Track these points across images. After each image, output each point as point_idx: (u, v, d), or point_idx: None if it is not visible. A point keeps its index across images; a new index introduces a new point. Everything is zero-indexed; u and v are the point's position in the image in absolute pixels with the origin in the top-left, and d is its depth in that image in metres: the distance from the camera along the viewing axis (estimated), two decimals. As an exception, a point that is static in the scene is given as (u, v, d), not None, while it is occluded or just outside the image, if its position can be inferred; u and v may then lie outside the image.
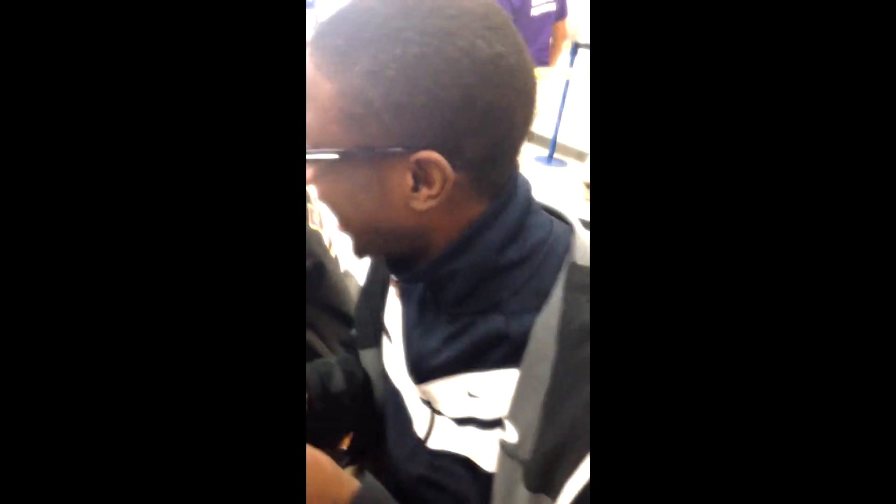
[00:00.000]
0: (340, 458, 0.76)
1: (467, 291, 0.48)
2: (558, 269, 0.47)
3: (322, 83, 0.41)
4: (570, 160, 4.76)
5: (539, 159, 4.63)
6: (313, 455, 0.47)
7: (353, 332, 0.74)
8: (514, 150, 0.46)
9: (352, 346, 0.76)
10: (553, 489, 0.42)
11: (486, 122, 0.41)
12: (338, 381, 0.69)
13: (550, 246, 0.48)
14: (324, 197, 0.46)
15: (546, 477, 0.43)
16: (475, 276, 0.47)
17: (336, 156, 0.42)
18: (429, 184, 0.43)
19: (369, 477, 0.48)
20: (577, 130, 4.69)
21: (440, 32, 0.39)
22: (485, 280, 0.47)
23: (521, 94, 0.43)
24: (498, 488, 0.47)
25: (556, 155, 4.73)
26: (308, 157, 0.43)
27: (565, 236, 0.49)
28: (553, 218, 0.52)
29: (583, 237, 0.49)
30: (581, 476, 0.41)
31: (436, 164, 0.41)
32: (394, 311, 0.60)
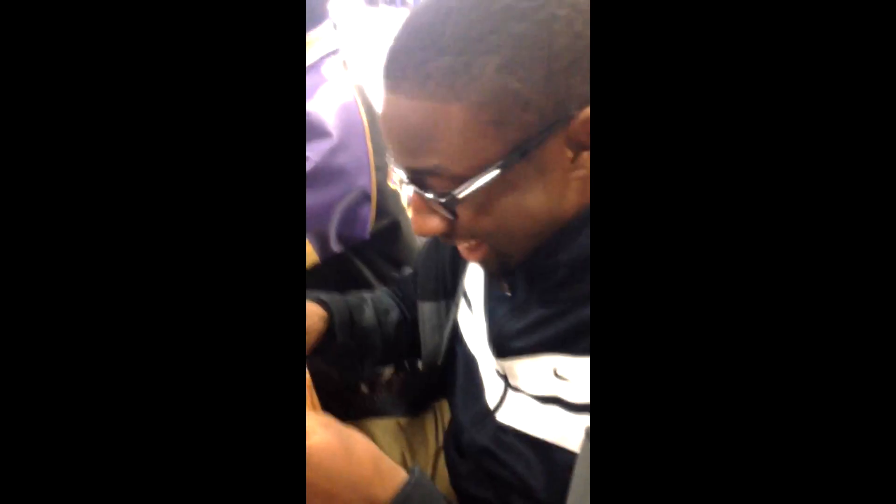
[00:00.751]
0: (397, 405, 0.78)
1: (568, 280, 0.47)
2: None
3: (447, 109, 0.38)
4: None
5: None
6: (357, 442, 0.43)
7: (407, 272, 0.74)
8: None
9: (401, 286, 0.76)
10: None
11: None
12: (368, 317, 0.69)
13: None
14: (482, 221, 0.43)
15: None
16: (578, 266, 0.46)
17: (498, 170, 0.39)
18: (586, 144, 0.40)
19: (418, 470, 0.44)
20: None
21: (544, 2, 0.37)
22: (584, 274, 0.46)
23: None
24: (578, 478, 0.45)
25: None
26: (465, 192, 0.40)
27: None
28: None
29: None
30: None
31: (588, 119, 0.39)
32: (476, 279, 0.59)
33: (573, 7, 0.38)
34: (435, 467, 0.76)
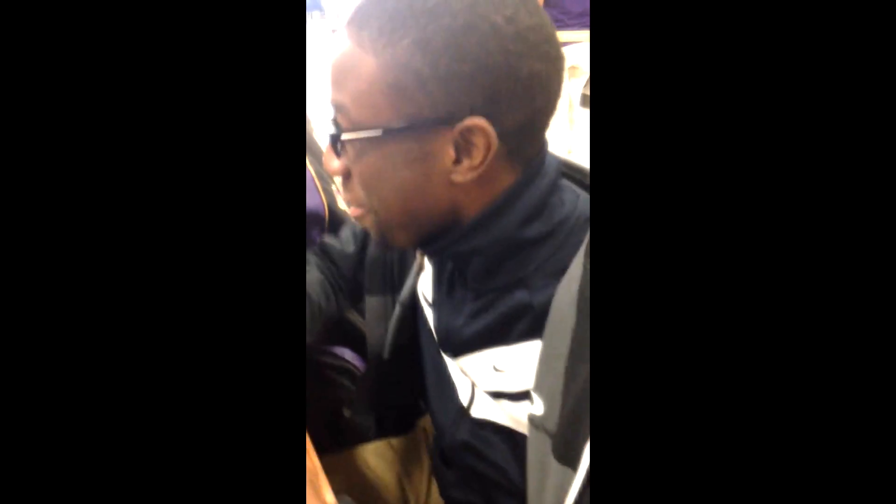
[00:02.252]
0: (367, 425, 0.78)
1: (491, 268, 0.49)
2: (583, 243, 0.46)
3: (365, 59, 0.42)
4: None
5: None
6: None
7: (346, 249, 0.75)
8: (547, 122, 0.46)
9: (337, 265, 0.76)
10: (574, 459, 0.41)
11: (528, 91, 0.42)
12: (313, 308, 0.70)
13: (576, 220, 0.48)
14: (361, 178, 0.47)
15: (570, 447, 0.42)
16: (498, 253, 0.48)
17: (380, 132, 0.43)
18: (471, 154, 0.43)
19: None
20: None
21: (486, 2, 0.40)
22: (508, 257, 0.48)
23: (556, 62, 0.44)
24: (530, 463, 0.47)
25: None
26: (349, 136, 0.44)
27: (588, 211, 0.49)
28: (581, 191, 0.51)
29: None
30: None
31: (481, 131, 0.42)
32: (427, 279, 0.61)
33: (514, 24, 0.41)
34: (429, 485, 0.77)
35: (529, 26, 0.41)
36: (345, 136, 0.45)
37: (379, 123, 0.43)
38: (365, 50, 0.42)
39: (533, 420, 0.46)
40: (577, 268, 0.44)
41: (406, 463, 0.78)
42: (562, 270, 0.46)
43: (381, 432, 0.79)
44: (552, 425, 0.43)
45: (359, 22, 0.43)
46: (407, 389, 0.70)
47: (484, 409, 0.55)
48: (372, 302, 0.68)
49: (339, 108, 0.45)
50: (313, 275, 0.73)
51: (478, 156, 0.43)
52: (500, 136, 0.43)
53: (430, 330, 0.61)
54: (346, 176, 0.48)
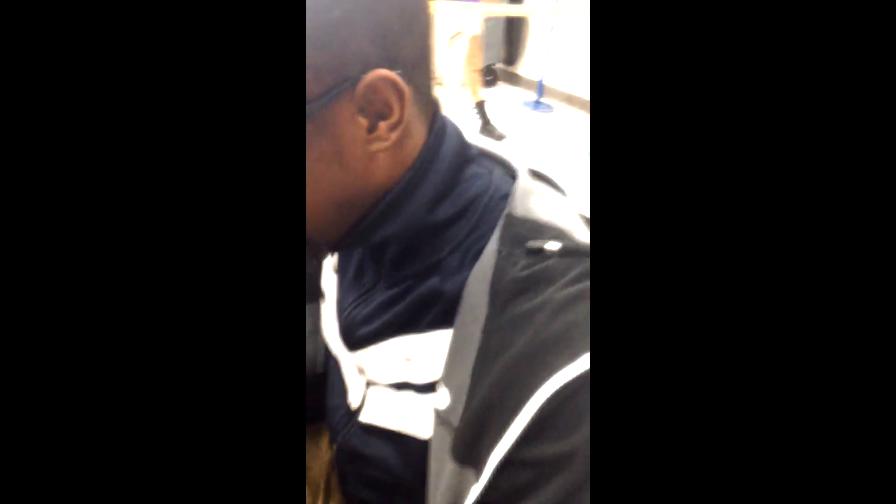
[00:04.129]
0: None
1: (405, 254, 0.45)
2: (497, 224, 0.42)
3: None
4: (557, 103, 4.66)
5: (526, 104, 4.53)
6: None
7: None
8: (432, 60, 0.41)
9: None
10: (478, 461, 0.38)
11: (407, 17, 0.37)
12: None
13: (490, 198, 0.44)
14: None
15: (472, 447, 0.39)
16: (411, 238, 0.44)
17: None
18: (387, 111, 0.38)
19: None
20: (564, 72, 4.57)
21: None
22: (422, 241, 0.44)
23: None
24: (432, 460, 0.44)
25: (543, 99, 4.63)
26: None
27: (506, 187, 0.45)
28: (497, 165, 0.47)
29: (525, 185, 0.44)
30: (504, 444, 0.37)
31: (387, 81, 0.36)
32: (330, 276, 0.56)
33: None
34: (329, 478, 0.73)
35: None
36: None
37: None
38: None
39: (438, 413, 0.42)
40: (490, 255, 0.41)
41: (306, 457, 0.74)
42: (478, 253, 0.42)
43: None
44: (455, 419, 0.40)
45: None
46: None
47: (374, 413, 0.51)
48: None
49: None
50: None
51: (395, 109, 0.38)
52: (404, 76, 0.37)
53: (328, 327, 0.57)
54: None
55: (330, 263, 0.57)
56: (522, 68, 4.12)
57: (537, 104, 4.59)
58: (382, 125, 0.38)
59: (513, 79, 5.09)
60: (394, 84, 0.37)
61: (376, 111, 0.38)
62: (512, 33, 4.97)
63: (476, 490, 0.38)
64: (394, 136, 0.39)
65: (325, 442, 0.75)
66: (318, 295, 0.62)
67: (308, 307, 0.63)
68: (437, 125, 0.43)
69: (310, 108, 0.36)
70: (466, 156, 0.45)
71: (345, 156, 0.39)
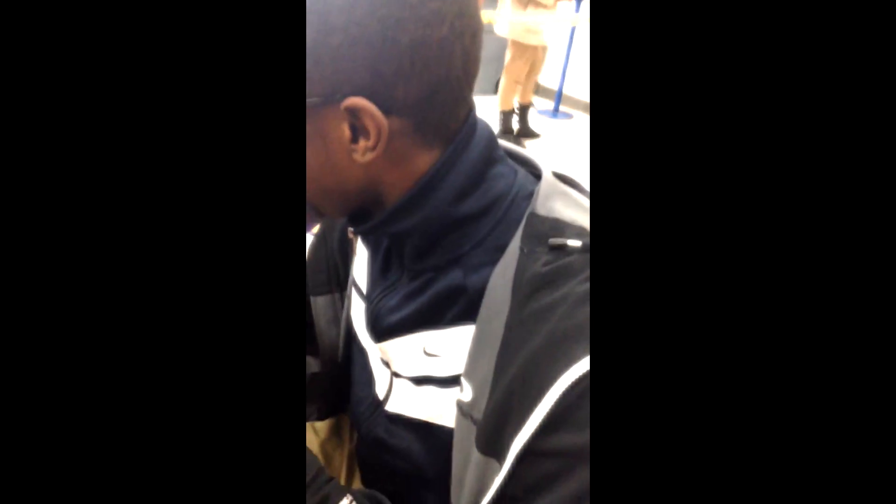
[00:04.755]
0: (309, 411, 0.76)
1: (426, 247, 0.46)
2: (520, 223, 0.44)
3: None
4: (576, 112, 4.66)
5: (544, 112, 4.54)
6: None
7: None
8: (458, 95, 0.42)
9: None
10: (501, 452, 0.40)
11: (416, 62, 0.38)
12: None
13: (514, 197, 0.45)
14: None
15: (495, 438, 0.40)
16: (432, 231, 0.45)
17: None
18: (365, 134, 0.40)
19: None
20: (583, 81, 4.57)
21: None
22: (443, 234, 0.45)
23: (457, 30, 0.39)
24: (456, 452, 0.45)
25: (561, 107, 4.63)
26: None
27: (530, 186, 0.46)
28: (520, 167, 0.48)
29: (549, 186, 0.46)
30: (522, 437, 0.38)
31: (365, 111, 0.39)
32: (361, 264, 0.58)
33: None
34: (351, 469, 0.75)
35: None
36: None
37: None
38: None
39: (461, 406, 0.44)
40: (513, 252, 0.42)
41: (327, 447, 0.75)
42: (499, 249, 0.43)
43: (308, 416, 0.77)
44: (479, 413, 0.41)
45: None
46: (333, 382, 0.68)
47: (399, 403, 0.52)
48: (319, 302, 0.65)
49: None
50: None
51: (371, 136, 0.40)
52: (398, 110, 0.39)
53: (356, 319, 0.58)
54: None
55: (359, 254, 0.59)
56: (541, 77, 4.13)
57: (556, 113, 4.59)
58: (361, 143, 0.41)
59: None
60: (372, 117, 0.39)
61: (360, 129, 0.40)
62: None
63: (498, 480, 0.39)
64: (371, 155, 0.41)
65: (346, 432, 0.77)
66: (341, 285, 0.64)
67: (331, 297, 0.64)
68: (469, 123, 0.45)
69: (310, 103, 0.39)
70: (494, 155, 0.46)
71: (328, 153, 0.42)
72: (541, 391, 0.37)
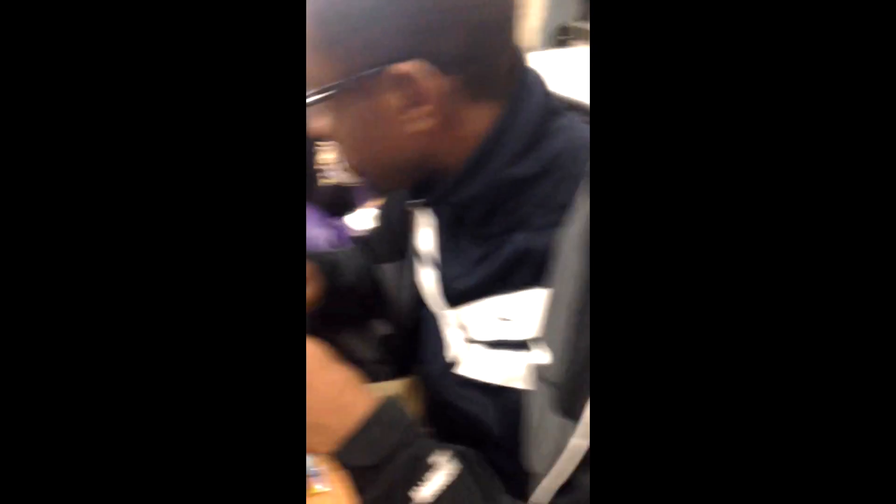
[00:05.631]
0: (380, 372, 0.79)
1: (490, 211, 0.46)
2: (581, 179, 0.43)
3: (307, 22, 0.40)
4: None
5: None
6: (328, 368, 0.45)
7: (367, 234, 0.74)
8: (502, 41, 0.42)
9: (363, 247, 0.76)
10: (576, 412, 0.40)
11: (453, 10, 0.38)
12: (347, 275, 0.69)
13: (574, 153, 0.44)
14: (335, 136, 0.45)
15: (572, 400, 0.41)
16: (494, 196, 0.45)
17: (334, 91, 0.41)
18: (419, 101, 0.40)
19: (393, 400, 0.46)
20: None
21: None
22: (506, 198, 0.45)
23: None
24: (530, 414, 0.45)
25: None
26: (310, 99, 0.42)
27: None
28: (583, 117, 0.47)
29: None
30: None
31: (412, 77, 0.39)
32: (426, 235, 0.59)
33: None
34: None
35: None
36: (308, 100, 0.42)
37: (324, 82, 0.41)
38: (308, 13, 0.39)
39: (538, 370, 0.44)
40: (579, 209, 0.42)
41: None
42: (562, 208, 0.43)
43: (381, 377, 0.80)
44: (557, 376, 0.42)
45: None
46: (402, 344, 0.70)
47: (471, 367, 0.53)
48: (387, 270, 0.67)
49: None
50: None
51: (426, 101, 0.40)
52: (446, 68, 0.39)
53: (423, 285, 0.60)
54: (326, 138, 0.47)
55: (423, 223, 0.60)
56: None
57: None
58: (414, 111, 0.40)
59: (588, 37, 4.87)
60: (421, 79, 0.38)
61: (410, 97, 0.40)
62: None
63: (576, 436, 0.40)
64: (429, 122, 0.41)
65: (415, 395, 0.80)
66: (406, 252, 0.64)
67: (398, 265, 0.66)
68: (519, 80, 0.44)
69: (359, 77, 0.40)
70: (551, 108, 0.45)
71: (384, 124, 0.42)
72: None
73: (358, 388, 0.45)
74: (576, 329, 0.41)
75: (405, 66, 0.38)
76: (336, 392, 0.44)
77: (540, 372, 0.44)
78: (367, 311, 0.74)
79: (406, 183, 0.49)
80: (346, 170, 0.49)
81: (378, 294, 0.71)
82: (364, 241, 0.77)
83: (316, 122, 0.46)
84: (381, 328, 0.84)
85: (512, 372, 0.49)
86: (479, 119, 0.43)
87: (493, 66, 0.42)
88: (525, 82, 0.44)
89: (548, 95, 0.45)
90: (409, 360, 0.77)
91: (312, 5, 0.39)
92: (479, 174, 0.44)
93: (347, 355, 0.80)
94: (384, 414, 0.43)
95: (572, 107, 0.49)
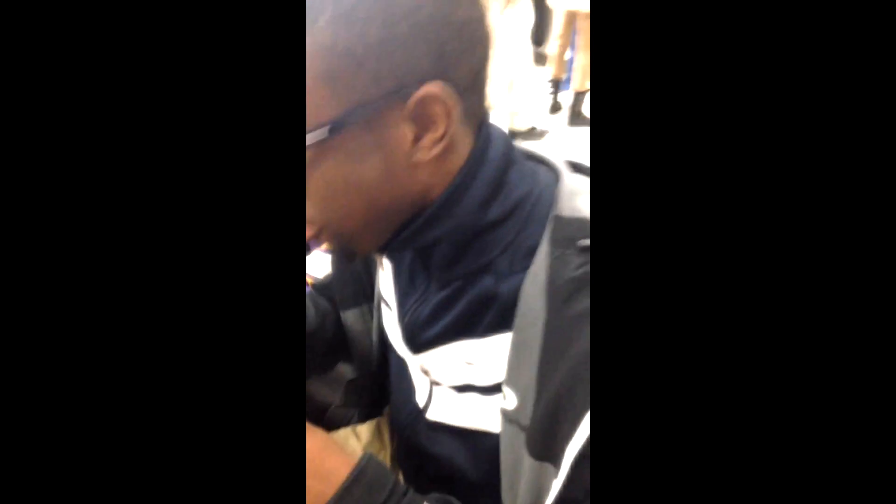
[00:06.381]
0: (349, 416, 0.77)
1: (455, 255, 0.46)
2: (546, 222, 0.44)
3: None
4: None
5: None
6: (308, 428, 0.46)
7: (326, 278, 0.73)
8: (488, 74, 0.43)
9: (323, 289, 0.74)
10: (555, 455, 0.40)
11: (468, 38, 0.39)
12: (311, 320, 0.67)
13: (536, 198, 0.45)
14: (314, 192, 0.41)
15: (547, 442, 0.40)
16: (460, 239, 0.45)
17: (327, 131, 0.37)
18: (432, 126, 0.40)
19: (372, 456, 0.46)
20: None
21: None
22: (471, 241, 0.45)
23: (482, 5, 0.40)
24: (504, 458, 0.45)
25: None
26: (309, 139, 0.38)
27: (552, 185, 0.46)
28: (539, 165, 0.48)
29: (569, 184, 0.45)
30: (579, 438, 0.38)
31: (439, 97, 0.38)
32: (387, 278, 0.58)
33: None
34: (395, 472, 0.76)
35: None
36: (310, 138, 0.38)
37: (321, 121, 0.37)
38: None
39: (506, 414, 0.44)
40: (543, 257, 0.42)
41: (369, 449, 0.77)
42: (528, 252, 0.43)
43: (348, 421, 0.78)
44: (525, 419, 0.42)
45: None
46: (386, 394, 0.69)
47: (440, 411, 0.53)
48: (349, 316, 0.65)
49: None
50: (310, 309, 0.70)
51: (441, 125, 0.39)
52: (459, 93, 0.39)
53: (388, 329, 0.59)
54: None
55: (385, 268, 0.59)
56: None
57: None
58: (427, 138, 0.40)
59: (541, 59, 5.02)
60: (444, 101, 0.38)
61: (423, 124, 0.40)
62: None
63: (557, 485, 0.39)
64: (437, 149, 0.40)
65: (386, 435, 0.78)
66: (368, 297, 0.64)
67: (359, 310, 0.65)
68: (484, 131, 0.45)
69: (363, 111, 0.38)
70: (511, 158, 0.46)
71: (389, 163, 0.40)
72: (588, 398, 0.38)
73: (337, 451, 0.45)
74: (543, 372, 0.41)
75: (432, 87, 0.38)
76: (315, 455, 0.44)
77: (509, 416, 0.44)
78: (331, 355, 0.73)
79: (385, 236, 0.46)
80: (313, 235, 0.44)
81: (342, 338, 0.69)
82: (324, 286, 0.76)
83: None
84: (347, 372, 0.82)
85: (482, 415, 0.48)
86: (462, 153, 0.43)
87: (483, 99, 0.43)
88: (488, 135, 0.45)
89: (508, 147, 0.46)
90: (375, 404, 0.75)
91: (316, 37, 0.36)
92: (447, 217, 0.44)
93: (311, 400, 0.79)
94: (365, 475, 0.44)
95: (530, 157, 0.50)
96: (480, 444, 0.49)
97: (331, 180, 0.40)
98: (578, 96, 3.65)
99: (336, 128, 0.38)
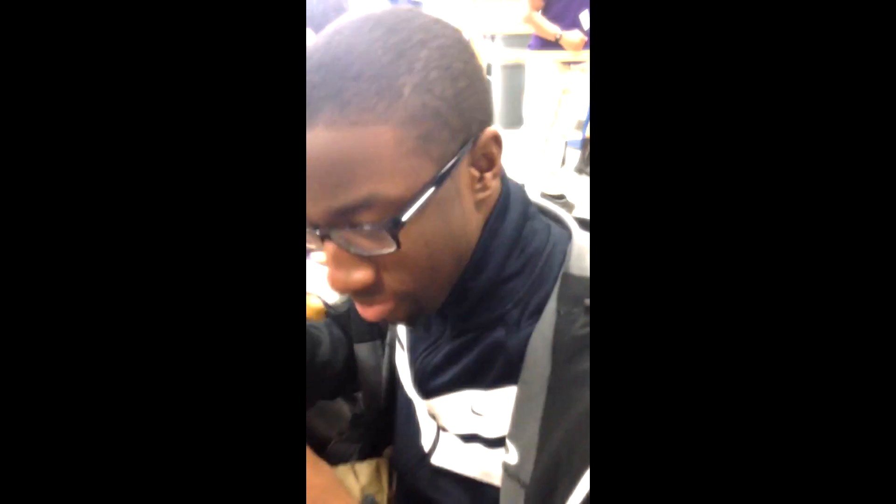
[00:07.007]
0: (349, 452, 0.77)
1: (474, 306, 0.47)
2: (556, 279, 0.45)
3: (374, 132, 0.36)
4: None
5: (571, 143, 4.53)
6: (310, 469, 0.46)
7: (339, 302, 0.74)
8: None
9: (338, 318, 0.74)
10: None
11: (486, 87, 0.43)
12: (324, 350, 0.67)
13: (549, 253, 0.47)
14: (422, 252, 0.40)
15: (546, 500, 0.41)
16: (482, 291, 0.46)
17: (433, 188, 0.38)
18: (490, 164, 0.43)
19: (374, 501, 0.46)
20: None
21: (429, 22, 0.40)
22: (490, 293, 0.46)
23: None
24: None
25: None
26: (410, 212, 0.38)
27: (563, 242, 0.48)
28: (551, 222, 0.50)
29: (580, 243, 0.47)
30: (577, 496, 0.39)
31: (497, 136, 0.42)
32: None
33: (446, 38, 0.40)
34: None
35: (462, 35, 0.42)
36: (405, 217, 0.37)
37: (424, 181, 0.38)
38: (362, 124, 0.36)
39: (507, 469, 0.44)
40: (551, 314, 0.43)
41: (367, 492, 0.76)
42: (537, 307, 0.45)
43: (349, 457, 0.78)
44: (526, 476, 0.42)
45: (337, 101, 0.36)
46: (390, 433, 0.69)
47: (445, 457, 0.53)
48: (362, 349, 0.66)
49: (360, 205, 0.37)
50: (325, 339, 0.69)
51: (496, 160, 0.43)
52: None
53: (399, 369, 0.59)
54: (377, 276, 0.41)
55: None
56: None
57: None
58: (487, 175, 0.43)
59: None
60: (499, 139, 0.42)
61: (483, 163, 0.43)
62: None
63: None
64: (494, 184, 0.43)
65: (385, 477, 0.78)
66: (382, 333, 0.65)
67: (372, 345, 0.66)
68: (504, 179, 0.47)
69: (450, 167, 0.39)
70: (528, 212, 0.47)
71: (464, 205, 0.42)
72: (587, 458, 0.38)
73: (342, 494, 0.46)
74: (545, 429, 0.41)
75: (491, 129, 0.42)
76: (318, 494, 0.44)
77: (510, 471, 0.44)
78: (339, 388, 0.73)
79: (449, 289, 0.45)
80: (390, 309, 0.43)
81: (351, 370, 0.70)
82: (339, 315, 0.77)
83: (357, 272, 0.41)
84: (352, 406, 0.82)
85: (486, 467, 0.49)
86: (490, 202, 0.46)
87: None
88: (507, 185, 0.47)
89: (525, 200, 0.48)
90: (376, 444, 0.75)
91: (394, 117, 0.37)
92: (481, 270, 0.45)
93: (311, 434, 0.79)
94: None
95: (543, 211, 0.51)
96: (482, 495, 0.49)
97: (430, 240, 0.41)
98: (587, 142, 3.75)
99: (439, 182, 0.39)
